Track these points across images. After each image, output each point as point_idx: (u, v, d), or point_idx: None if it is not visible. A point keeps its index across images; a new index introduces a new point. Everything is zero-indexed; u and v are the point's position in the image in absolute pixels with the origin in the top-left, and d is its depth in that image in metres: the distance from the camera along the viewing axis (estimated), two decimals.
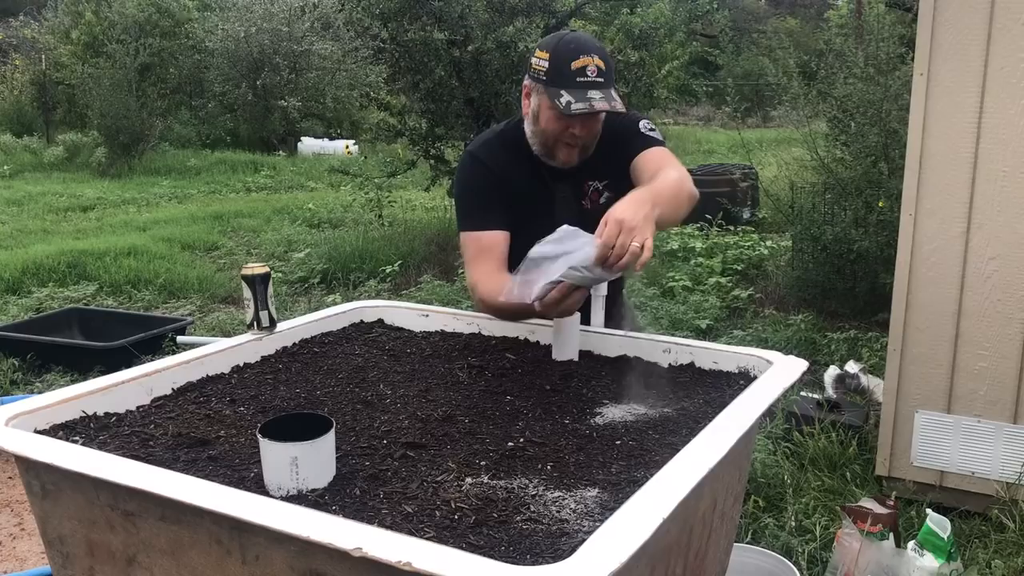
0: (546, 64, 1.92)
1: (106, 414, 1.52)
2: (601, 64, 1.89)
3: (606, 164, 2.05)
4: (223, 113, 16.33)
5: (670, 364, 1.82)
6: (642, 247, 1.50)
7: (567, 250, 1.54)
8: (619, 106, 1.89)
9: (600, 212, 1.62)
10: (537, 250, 1.58)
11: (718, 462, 1.24)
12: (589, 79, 1.87)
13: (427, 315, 2.12)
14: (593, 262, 1.51)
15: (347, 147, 14.59)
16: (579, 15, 8.90)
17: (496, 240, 2.02)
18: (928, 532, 2.44)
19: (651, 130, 2.01)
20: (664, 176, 1.83)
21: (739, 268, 6.37)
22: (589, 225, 1.62)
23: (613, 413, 1.54)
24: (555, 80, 1.90)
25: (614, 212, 1.55)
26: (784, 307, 5.50)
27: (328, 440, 1.24)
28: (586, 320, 1.96)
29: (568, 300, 1.60)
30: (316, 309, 4.04)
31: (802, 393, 3.84)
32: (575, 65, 1.87)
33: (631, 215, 1.53)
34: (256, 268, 1.83)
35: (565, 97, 1.88)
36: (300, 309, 5.78)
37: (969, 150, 2.82)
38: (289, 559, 1.08)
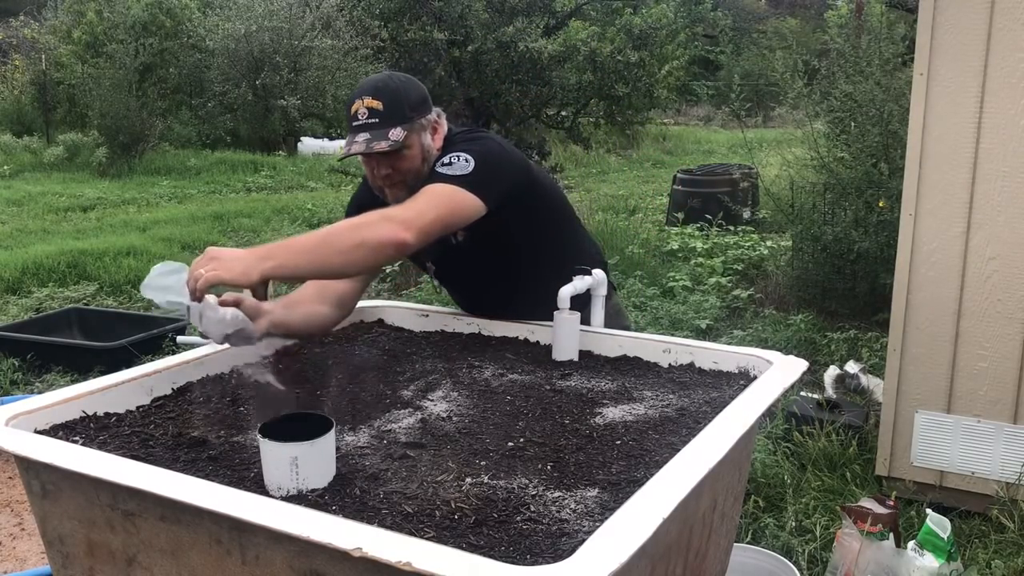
0: None
1: (106, 414, 1.52)
2: (375, 104, 1.87)
3: None
4: (223, 113, 16.32)
5: (670, 364, 1.82)
6: (205, 275, 1.52)
7: (167, 284, 1.60)
8: (382, 145, 1.84)
9: (466, 246, 1.83)
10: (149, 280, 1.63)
11: (718, 462, 1.24)
12: (360, 122, 1.88)
13: (427, 315, 2.12)
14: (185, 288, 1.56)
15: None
16: (579, 15, 8.91)
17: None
18: (928, 532, 2.44)
19: (444, 165, 1.88)
20: (346, 221, 1.78)
21: (739, 268, 6.37)
22: (461, 258, 1.86)
23: (613, 413, 1.54)
24: (347, 126, 1.94)
25: (214, 249, 1.59)
26: (784, 307, 5.50)
27: (328, 440, 1.24)
28: (586, 320, 1.96)
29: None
30: None
31: (802, 393, 3.84)
32: (351, 110, 1.90)
33: (223, 252, 1.56)
34: None
35: (343, 143, 1.92)
36: None
37: (969, 150, 2.82)
38: (289, 559, 1.08)
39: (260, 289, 1.59)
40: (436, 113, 1.99)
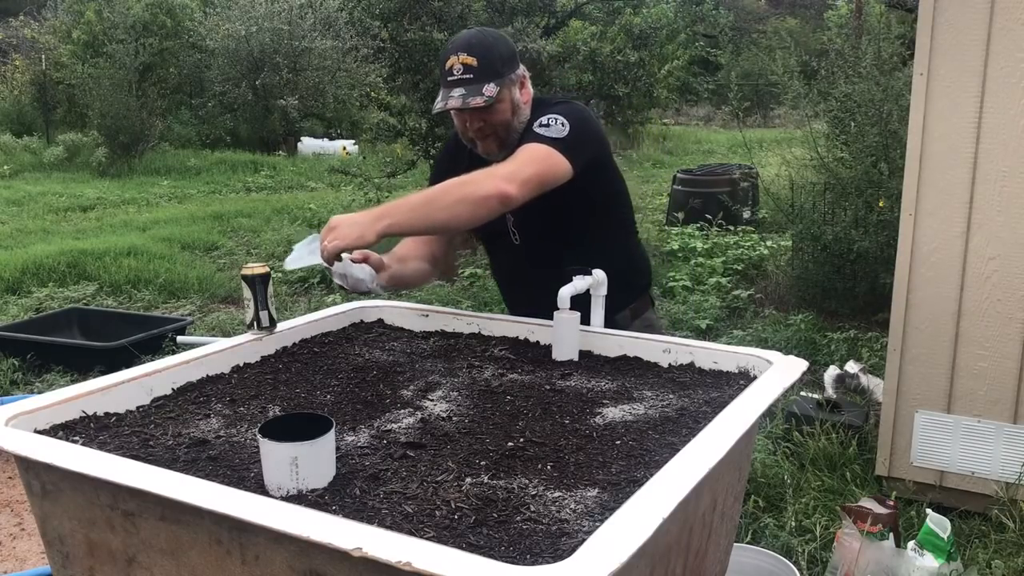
0: None
1: (106, 414, 1.52)
2: (469, 60, 1.96)
3: None
4: (223, 113, 16.33)
5: (670, 364, 1.82)
6: (328, 247, 1.76)
7: (309, 251, 1.88)
8: (478, 101, 1.95)
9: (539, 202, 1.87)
10: (296, 247, 1.92)
11: (718, 462, 1.24)
12: (454, 77, 1.97)
13: (427, 315, 2.12)
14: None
15: (344, 148, 14.54)
16: (579, 15, 8.91)
17: None
18: (928, 532, 2.44)
19: (542, 126, 1.97)
20: (451, 180, 1.87)
21: (739, 268, 6.37)
22: (529, 212, 1.90)
23: (613, 413, 1.54)
24: (440, 81, 2.04)
25: (335, 217, 1.80)
26: (784, 307, 5.50)
27: (328, 440, 1.24)
28: (586, 320, 1.96)
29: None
30: (316, 309, 4.04)
31: (802, 393, 3.84)
32: (446, 65, 1.99)
33: (340, 220, 1.77)
34: (256, 268, 1.83)
35: (439, 96, 2.01)
36: (300, 309, 5.78)
37: (969, 150, 2.82)
38: (289, 559, 1.08)
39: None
40: (522, 69, 2.09)
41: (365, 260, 1.91)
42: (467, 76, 1.96)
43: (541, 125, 1.96)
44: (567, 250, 2.10)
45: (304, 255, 1.85)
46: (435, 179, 2.12)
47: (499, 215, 1.90)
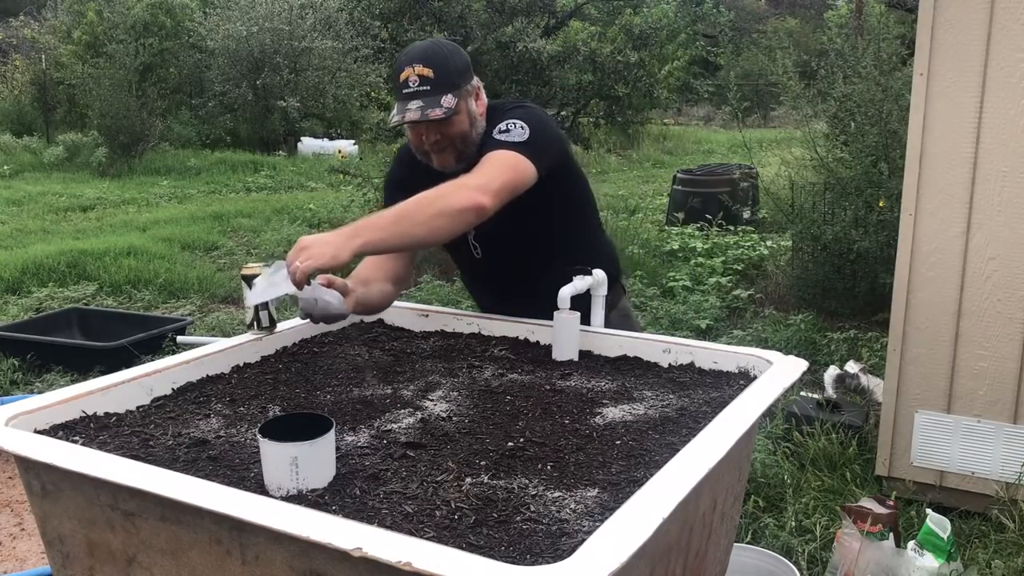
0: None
1: (106, 414, 1.52)
2: (425, 72, 1.91)
3: None
4: (223, 113, 16.32)
5: (670, 364, 1.82)
6: (300, 267, 1.63)
7: (274, 282, 1.73)
8: (437, 112, 1.90)
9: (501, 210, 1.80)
10: (258, 280, 1.78)
11: (718, 462, 1.24)
12: (410, 89, 1.92)
13: (427, 315, 2.12)
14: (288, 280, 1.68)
15: (339, 151, 14.36)
16: (579, 15, 8.91)
17: None
18: (928, 532, 2.44)
19: (502, 132, 1.94)
20: (421, 194, 1.81)
21: (739, 268, 6.37)
22: (492, 222, 1.81)
23: (613, 413, 1.54)
24: (395, 93, 1.99)
25: (304, 238, 1.68)
26: (784, 307, 5.50)
27: (328, 440, 1.24)
28: (586, 320, 1.96)
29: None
30: None
31: (802, 393, 3.84)
32: (400, 77, 1.94)
33: (312, 240, 1.66)
34: (256, 268, 1.83)
35: (395, 110, 1.96)
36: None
37: (969, 150, 2.82)
38: (289, 559, 1.08)
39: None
40: (477, 80, 2.06)
41: (330, 284, 1.78)
42: (423, 88, 1.91)
43: (500, 132, 1.92)
44: (532, 254, 2.09)
45: (268, 286, 1.72)
46: (392, 196, 2.07)
47: (473, 227, 1.87)
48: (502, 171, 1.85)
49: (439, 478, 1.26)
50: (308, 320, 1.81)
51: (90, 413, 1.51)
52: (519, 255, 2.11)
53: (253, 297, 1.78)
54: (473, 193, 1.78)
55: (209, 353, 1.75)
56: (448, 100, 1.91)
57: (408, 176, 2.09)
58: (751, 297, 5.75)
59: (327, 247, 1.64)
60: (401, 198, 2.02)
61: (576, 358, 1.84)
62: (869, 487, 3.10)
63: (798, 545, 2.71)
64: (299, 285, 1.64)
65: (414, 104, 1.91)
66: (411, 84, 1.92)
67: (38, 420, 1.44)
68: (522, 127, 1.93)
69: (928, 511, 2.58)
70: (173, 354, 1.79)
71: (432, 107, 1.90)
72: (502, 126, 1.93)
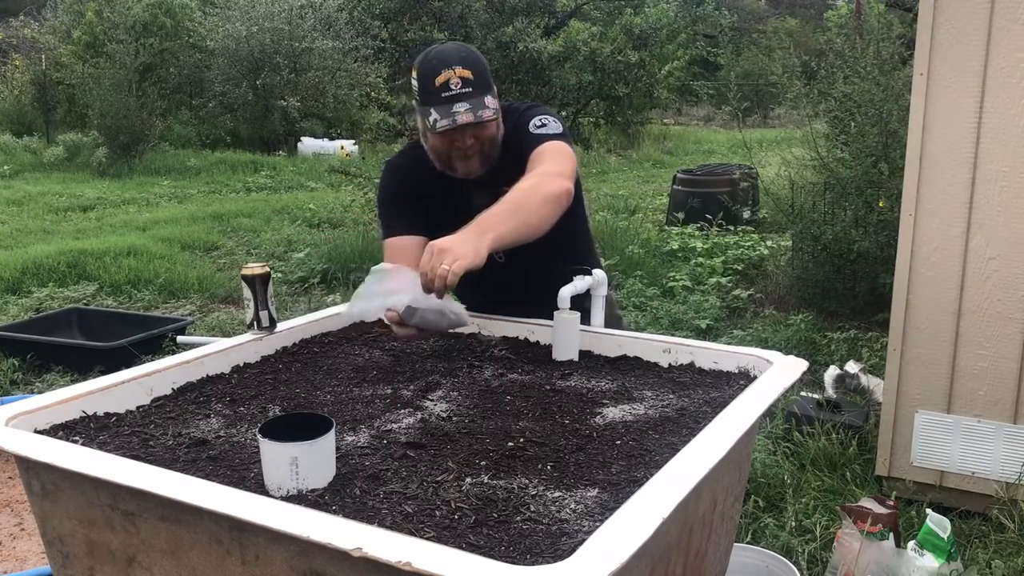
0: (416, 84, 1.93)
1: (106, 414, 1.52)
2: (466, 74, 1.88)
3: (516, 166, 1.98)
4: (223, 113, 16.33)
5: (670, 364, 1.82)
6: (451, 268, 1.57)
7: (392, 288, 1.70)
8: (487, 114, 1.89)
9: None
10: (362, 290, 1.74)
11: (718, 462, 1.24)
12: (453, 92, 1.87)
13: None
14: (420, 291, 1.63)
15: (342, 148, 14.50)
16: (579, 15, 8.91)
17: (403, 245, 2.03)
18: (928, 532, 2.44)
19: (540, 127, 1.95)
20: (515, 187, 1.81)
21: (739, 268, 6.37)
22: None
23: (613, 413, 1.54)
24: (425, 99, 1.91)
25: (435, 242, 1.62)
26: (784, 307, 5.50)
27: (328, 440, 1.24)
28: (586, 320, 1.96)
29: (400, 331, 1.78)
30: (316, 309, 4.04)
31: (802, 393, 3.84)
32: (438, 81, 1.87)
33: (448, 242, 1.60)
34: (256, 268, 1.84)
35: (433, 115, 1.90)
36: (300, 309, 5.77)
37: (969, 150, 2.82)
38: (289, 559, 1.08)
39: None
40: None
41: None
42: (467, 90, 1.87)
43: (537, 127, 1.93)
44: (548, 254, 2.05)
45: (375, 297, 1.64)
46: (395, 209, 2.05)
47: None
48: (566, 159, 1.90)
49: (439, 478, 1.26)
50: (414, 331, 1.75)
51: (90, 413, 1.51)
52: (539, 256, 2.06)
53: (367, 313, 1.71)
54: (562, 180, 1.82)
55: (209, 353, 1.75)
56: (491, 101, 1.91)
57: (412, 189, 2.07)
58: (751, 297, 5.75)
59: (468, 247, 1.60)
60: (408, 210, 2.03)
61: (576, 358, 1.84)
62: (869, 487, 3.10)
63: (798, 545, 2.71)
64: (441, 293, 1.60)
65: (461, 106, 1.87)
66: (453, 87, 1.87)
67: (38, 420, 1.44)
68: (554, 120, 1.97)
69: (928, 511, 2.58)
70: (173, 354, 1.79)
71: (480, 108, 1.88)
72: (536, 122, 1.95)
